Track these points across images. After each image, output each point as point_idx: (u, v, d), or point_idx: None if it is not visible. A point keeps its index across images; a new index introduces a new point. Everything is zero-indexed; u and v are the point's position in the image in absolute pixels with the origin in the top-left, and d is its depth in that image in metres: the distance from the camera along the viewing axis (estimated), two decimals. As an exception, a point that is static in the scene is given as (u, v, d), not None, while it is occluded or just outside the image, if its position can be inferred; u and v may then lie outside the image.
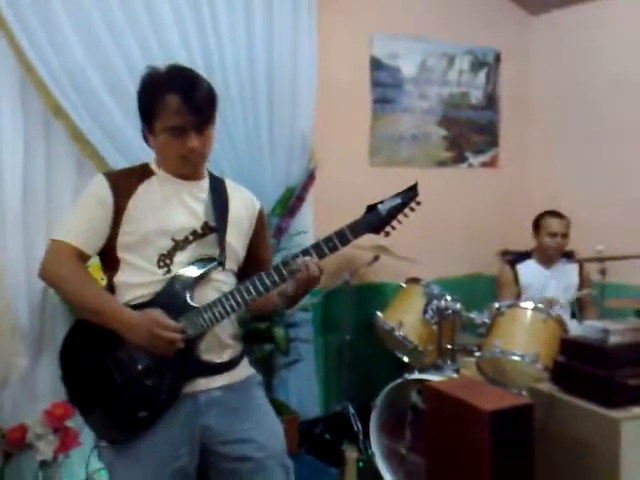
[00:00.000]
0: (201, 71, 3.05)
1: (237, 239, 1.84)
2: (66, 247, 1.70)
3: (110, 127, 2.93)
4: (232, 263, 1.83)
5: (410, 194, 1.71)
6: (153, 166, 1.81)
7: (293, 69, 3.44)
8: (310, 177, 3.53)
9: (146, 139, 1.79)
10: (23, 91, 2.84)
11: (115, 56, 2.93)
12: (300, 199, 3.49)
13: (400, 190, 1.73)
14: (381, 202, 1.71)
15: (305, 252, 1.69)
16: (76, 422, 2.78)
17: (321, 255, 1.69)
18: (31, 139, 2.87)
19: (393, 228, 1.72)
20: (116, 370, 1.71)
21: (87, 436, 2.79)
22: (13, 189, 2.83)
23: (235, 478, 1.75)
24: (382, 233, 1.71)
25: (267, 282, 1.69)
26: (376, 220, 1.70)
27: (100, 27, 2.89)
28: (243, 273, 1.85)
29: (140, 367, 1.69)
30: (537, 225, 3.68)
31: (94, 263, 1.91)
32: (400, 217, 1.71)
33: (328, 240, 1.69)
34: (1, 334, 2.07)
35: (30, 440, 2.65)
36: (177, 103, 1.67)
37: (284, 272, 1.69)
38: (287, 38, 3.40)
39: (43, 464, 2.71)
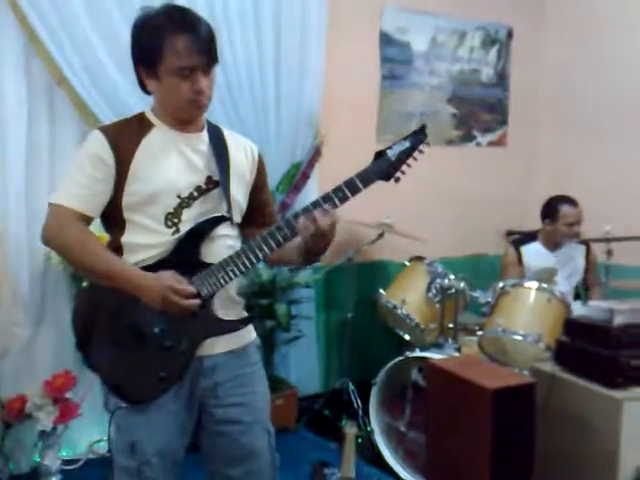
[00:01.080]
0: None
1: (240, 191, 1.81)
2: (68, 211, 1.65)
3: (113, 97, 2.89)
4: (237, 216, 1.81)
5: (419, 136, 1.66)
6: (150, 116, 1.74)
7: (301, 43, 3.38)
8: (316, 153, 3.49)
9: (144, 87, 1.72)
10: (27, 59, 2.81)
11: (121, 26, 2.87)
12: (305, 175, 3.46)
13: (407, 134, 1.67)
14: (389, 147, 1.66)
15: (315, 204, 1.65)
16: (76, 393, 2.79)
17: (332, 206, 1.64)
18: (35, 107, 2.85)
19: (403, 173, 1.67)
20: (132, 332, 1.69)
21: (87, 407, 2.80)
22: (16, 156, 2.80)
23: (221, 439, 1.78)
24: (392, 179, 1.66)
25: (279, 237, 1.66)
26: (386, 166, 1.64)
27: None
28: (246, 220, 1.84)
29: (156, 330, 1.68)
30: (550, 211, 3.59)
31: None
32: (410, 161, 1.66)
33: (337, 190, 1.64)
34: (1, 303, 2.05)
35: (30, 410, 2.65)
36: (186, 43, 1.61)
37: (295, 225, 1.65)
38: (296, 10, 3.34)
39: (42, 434, 2.72)
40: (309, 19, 3.38)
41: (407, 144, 1.65)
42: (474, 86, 4.16)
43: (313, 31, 3.39)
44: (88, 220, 1.69)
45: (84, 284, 1.90)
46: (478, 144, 4.23)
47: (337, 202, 1.64)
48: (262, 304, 3.19)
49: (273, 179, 3.31)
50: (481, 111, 4.21)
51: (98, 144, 1.68)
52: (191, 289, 1.66)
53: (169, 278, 1.64)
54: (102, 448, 2.91)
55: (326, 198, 1.65)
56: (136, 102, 2.73)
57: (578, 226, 3.52)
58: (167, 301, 1.63)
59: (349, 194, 1.64)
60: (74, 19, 2.79)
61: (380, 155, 1.65)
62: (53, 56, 2.77)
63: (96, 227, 1.75)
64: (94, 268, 1.67)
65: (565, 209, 3.51)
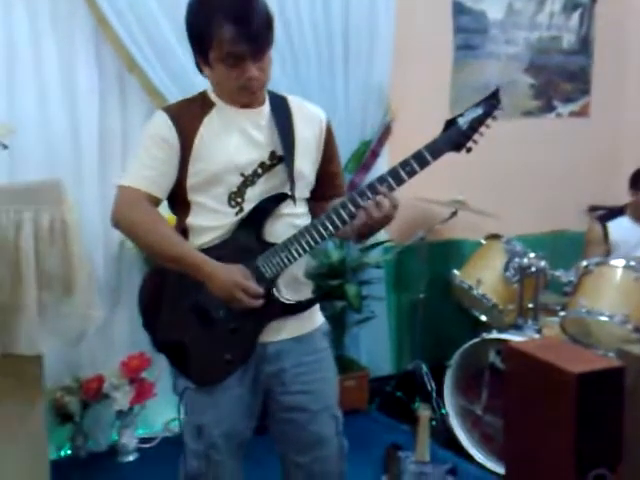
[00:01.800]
0: (276, 23, 3.05)
1: (307, 164, 1.74)
2: (136, 193, 1.64)
3: (183, 79, 2.86)
4: (303, 190, 1.75)
5: (492, 102, 1.56)
6: (212, 95, 1.71)
7: (370, 16, 3.27)
8: (386, 131, 3.39)
9: (200, 69, 1.70)
10: (97, 45, 2.83)
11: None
12: (375, 154, 3.36)
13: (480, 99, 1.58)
14: (460, 115, 1.56)
15: (381, 179, 1.59)
16: (151, 373, 2.84)
17: (399, 181, 1.58)
18: (106, 93, 2.88)
19: (475, 143, 1.57)
20: (198, 314, 1.69)
21: (161, 387, 2.84)
22: (89, 142, 2.85)
23: (290, 427, 1.77)
24: (464, 150, 1.57)
25: (344, 215, 1.61)
26: (457, 135, 1.55)
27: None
28: (316, 193, 1.79)
29: (221, 313, 1.67)
30: (638, 181, 3.39)
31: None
32: (483, 129, 1.56)
33: (405, 164, 1.56)
34: (77, 286, 2.09)
35: (107, 390, 2.72)
36: (233, 31, 1.56)
37: (360, 203, 1.59)
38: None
39: (120, 414, 2.79)
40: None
41: (479, 110, 1.55)
42: (554, 54, 3.94)
43: (382, 2, 3.27)
44: (156, 201, 1.68)
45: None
46: (559, 115, 4.02)
47: (404, 176, 1.57)
48: (332, 285, 3.15)
49: (341, 158, 3.23)
50: (561, 80, 3.99)
51: (162, 124, 1.66)
52: (258, 289, 1.63)
53: (238, 274, 1.61)
54: (176, 427, 2.94)
55: (393, 172, 1.57)
56: (205, 82, 2.72)
57: None
58: (233, 297, 1.61)
59: (417, 168, 1.56)
60: (142, 3, 2.78)
61: (451, 124, 1.56)
62: (123, 41, 2.78)
63: (164, 209, 1.74)
64: (163, 251, 1.66)
65: None
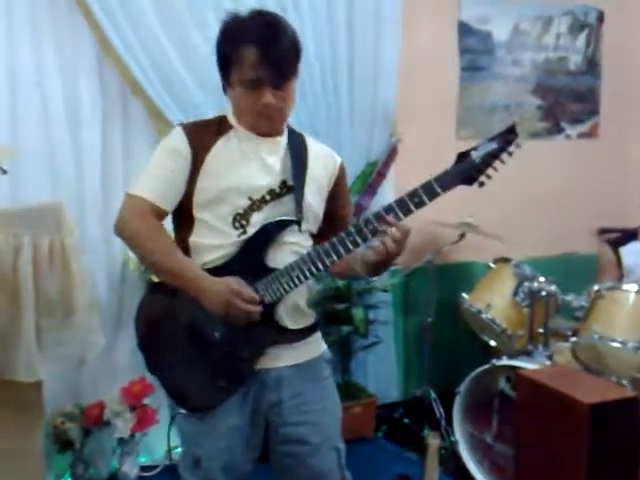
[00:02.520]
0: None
1: (316, 198, 1.73)
2: (143, 202, 1.62)
3: (188, 105, 2.86)
4: (310, 224, 1.73)
5: (508, 137, 1.51)
6: (231, 119, 1.71)
7: (375, 36, 3.26)
8: (392, 152, 3.36)
9: (225, 90, 1.70)
10: (100, 68, 2.82)
11: (193, 30, 2.85)
12: (381, 175, 3.33)
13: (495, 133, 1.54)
14: (474, 148, 1.52)
15: (388, 209, 1.54)
16: (154, 399, 2.78)
17: (406, 212, 1.53)
18: (109, 114, 2.86)
19: (489, 177, 1.52)
20: (193, 337, 1.66)
21: (164, 414, 2.78)
22: (92, 164, 2.82)
23: (289, 460, 1.73)
24: (476, 184, 1.53)
25: (347, 243, 1.56)
26: (469, 169, 1.51)
27: (179, 1, 2.82)
28: (322, 233, 1.75)
29: (217, 335, 1.63)
30: None
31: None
32: (497, 164, 1.51)
33: (413, 195, 1.52)
34: (78, 311, 2.06)
35: (108, 417, 2.67)
36: (254, 55, 1.55)
37: (366, 231, 1.54)
38: (369, 3, 3.21)
39: (121, 441, 2.73)
40: (383, 10, 3.24)
41: (494, 145, 1.50)
42: (561, 75, 3.91)
43: (388, 22, 3.25)
44: (162, 213, 1.66)
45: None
46: (567, 136, 3.97)
47: (412, 207, 1.52)
48: (338, 309, 3.10)
49: (347, 179, 3.20)
50: (569, 101, 3.95)
51: (177, 138, 1.66)
52: (255, 296, 1.59)
53: (233, 282, 1.58)
54: (178, 455, 2.89)
55: (400, 203, 1.53)
56: (209, 106, 2.72)
57: None
58: (231, 305, 1.56)
59: (426, 199, 1.51)
60: (145, 25, 2.77)
61: (463, 157, 1.52)
62: (126, 63, 2.76)
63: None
64: (161, 263, 1.63)
65: None
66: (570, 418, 1.94)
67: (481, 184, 1.52)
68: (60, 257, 1.98)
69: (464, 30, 3.62)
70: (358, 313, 3.11)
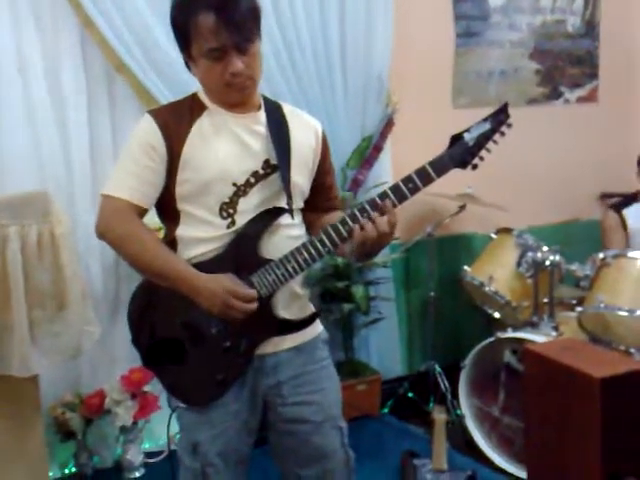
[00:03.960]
0: (269, 14, 2.93)
1: (302, 175, 1.66)
2: (121, 203, 1.55)
3: (175, 81, 2.75)
4: (298, 202, 1.67)
5: (500, 117, 1.49)
6: (203, 97, 1.62)
7: (367, 5, 3.15)
8: (388, 124, 3.27)
9: (189, 67, 1.61)
10: (83, 47, 2.73)
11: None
12: (377, 148, 3.25)
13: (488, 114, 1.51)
14: (467, 130, 1.49)
15: (382, 195, 1.51)
16: (155, 386, 2.74)
17: (401, 198, 1.50)
18: (94, 95, 2.77)
19: (481, 159, 1.50)
20: (189, 332, 1.61)
21: (166, 401, 2.75)
22: (79, 148, 2.74)
23: (291, 439, 1.70)
24: (469, 167, 1.50)
25: (342, 232, 1.52)
26: (463, 152, 1.48)
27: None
28: (309, 205, 1.71)
29: (214, 330, 1.59)
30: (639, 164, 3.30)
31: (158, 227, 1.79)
32: (489, 145, 1.50)
33: (408, 180, 1.49)
34: (71, 302, 2.00)
35: (108, 406, 2.63)
36: (213, 21, 1.46)
37: (361, 219, 1.50)
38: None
39: (123, 429, 2.70)
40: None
41: (487, 126, 1.48)
42: (559, 38, 3.81)
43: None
44: (142, 211, 1.59)
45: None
46: (566, 101, 3.89)
47: (407, 193, 1.49)
48: (338, 287, 3.05)
49: (343, 154, 3.13)
50: (568, 65, 3.86)
51: (149, 130, 1.56)
52: (251, 292, 1.53)
53: (227, 281, 1.52)
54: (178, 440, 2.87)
55: (395, 188, 1.49)
56: (196, 82, 2.62)
57: None
58: (227, 305, 1.51)
59: (420, 185, 1.49)
60: (129, 2, 2.67)
61: (456, 139, 1.49)
62: (110, 41, 2.67)
63: (152, 217, 1.65)
64: (150, 265, 1.56)
65: None
66: (580, 392, 1.89)
67: (474, 167, 1.51)
68: (49, 247, 1.92)
69: (458, -5, 3.52)
70: (358, 290, 3.06)
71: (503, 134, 1.50)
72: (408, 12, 3.29)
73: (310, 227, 1.75)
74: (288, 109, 1.70)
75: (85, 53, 2.73)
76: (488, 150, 1.50)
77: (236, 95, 1.57)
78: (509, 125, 1.50)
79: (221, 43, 1.48)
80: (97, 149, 2.79)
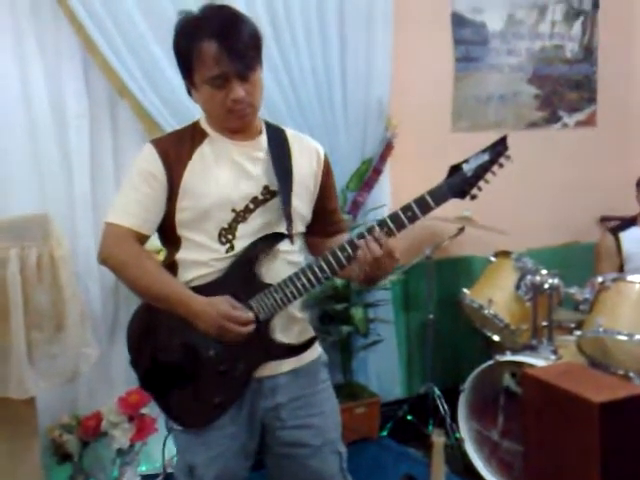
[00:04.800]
0: (268, 36, 2.97)
1: (303, 200, 1.68)
2: (123, 230, 1.58)
3: (177, 106, 2.78)
4: (299, 227, 1.68)
5: (499, 148, 1.50)
6: (204, 124, 1.65)
7: (368, 30, 3.18)
8: (387, 147, 3.29)
9: (190, 93, 1.63)
10: (86, 70, 2.76)
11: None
12: (377, 171, 3.27)
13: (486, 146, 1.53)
14: (466, 161, 1.51)
15: (381, 223, 1.52)
16: (153, 408, 2.73)
17: (400, 226, 1.51)
18: (96, 119, 2.80)
19: (480, 189, 1.51)
20: (187, 354, 1.62)
21: (164, 422, 2.73)
22: (81, 172, 2.76)
23: (289, 462, 1.69)
24: (468, 197, 1.51)
25: (341, 258, 1.54)
26: (461, 182, 1.50)
27: (165, 2, 2.74)
28: (311, 229, 1.73)
29: (212, 353, 1.60)
30: (638, 186, 3.32)
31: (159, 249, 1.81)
32: (488, 176, 1.51)
33: (407, 209, 1.50)
34: (69, 324, 2.01)
35: (105, 428, 2.62)
36: (214, 49, 1.49)
37: (360, 245, 1.51)
38: (361, -1, 3.15)
39: (120, 451, 2.68)
40: (375, 3, 3.16)
41: (485, 157, 1.50)
42: (557, 63, 3.85)
43: (380, 15, 3.18)
44: (144, 238, 1.62)
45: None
46: (565, 125, 3.92)
47: (405, 222, 1.51)
48: (337, 309, 3.05)
49: (343, 176, 3.15)
50: (566, 90, 3.89)
51: (150, 159, 1.59)
52: (248, 316, 1.54)
53: (224, 304, 1.53)
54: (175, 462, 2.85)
55: (394, 217, 1.51)
56: (198, 107, 2.64)
57: None
58: (224, 328, 1.52)
59: (419, 214, 1.50)
60: (131, 25, 2.71)
61: (455, 170, 1.50)
62: (112, 65, 2.71)
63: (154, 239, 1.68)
64: (150, 290, 1.58)
65: None
66: (579, 417, 1.89)
67: (473, 197, 1.52)
68: (49, 269, 1.93)
69: (458, 21, 3.56)
70: (357, 312, 3.06)
71: (501, 166, 1.51)
72: (408, 37, 3.32)
73: (314, 251, 1.76)
74: (290, 133, 1.72)
75: (88, 77, 2.76)
76: (486, 181, 1.51)
77: (237, 122, 1.59)
78: (507, 157, 1.51)
79: (223, 71, 1.50)
80: (98, 172, 2.81)
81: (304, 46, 3.06)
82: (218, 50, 1.49)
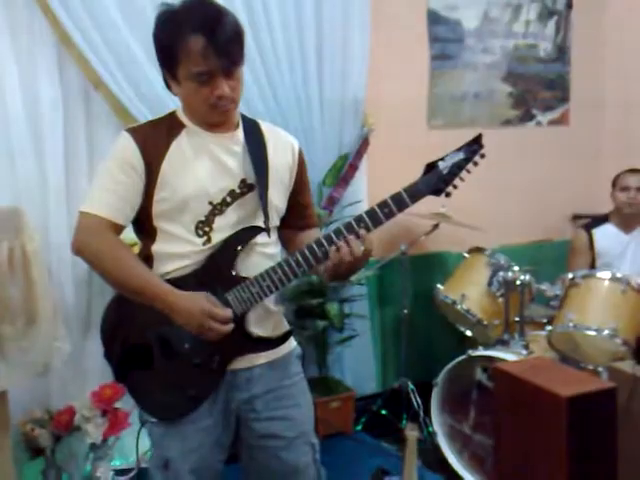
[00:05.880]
0: (246, 33, 2.95)
1: (279, 194, 1.69)
2: (98, 220, 1.56)
3: (151, 96, 2.77)
4: (275, 220, 1.69)
5: (474, 147, 1.53)
6: (181, 116, 1.63)
7: (344, 27, 3.19)
8: (364, 143, 3.31)
9: (168, 86, 1.62)
10: (60, 63, 2.73)
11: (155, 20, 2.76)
12: (353, 167, 3.28)
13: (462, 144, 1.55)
14: (441, 159, 1.53)
15: (358, 219, 1.53)
16: (126, 403, 2.72)
17: (376, 223, 1.53)
18: (70, 112, 2.77)
19: (455, 187, 1.54)
20: (161, 347, 1.62)
21: (136, 417, 2.72)
22: (54, 165, 2.73)
23: (263, 455, 1.70)
24: (443, 194, 1.54)
25: (319, 254, 1.55)
26: (437, 180, 1.52)
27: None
28: (285, 222, 1.74)
29: (186, 346, 1.60)
30: (613, 184, 3.38)
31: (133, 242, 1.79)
32: (463, 174, 1.53)
33: (383, 206, 1.52)
34: (41, 318, 1.99)
35: (78, 422, 2.60)
36: (202, 45, 1.47)
37: (337, 242, 1.53)
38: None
39: (93, 446, 2.66)
40: (351, 0, 3.17)
41: (461, 155, 1.52)
42: (531, 62, 3.90)
43: (356, 13, 3.19)
44: (119, 228, 1.60)
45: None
46: (538, 123, 3.97)
47: (382, 218, 1.52)
48: (313, 304, 3.06)
49: (319, 172, 3.16)
50: (540, 88, 3.94)
51: (127, 148, 1.58)
52: (227, 313, 1.55)
53: (204, 301, 1.53)
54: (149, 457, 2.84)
55: (370, 213, 1.52)
56: (174, 100, 2.63)
57: (636, 193, 3.27)
58: (203, 326, 1.52)
59: (396, 210, 1.51)
60: (106, 18, 2.69)
61: (431, 167, 1.52)
62: (88, 58, 2.68)
63: (128, 231, 1.66)
64: (126, 282, 1.57)
65: (623, 174, 3.33)
66: (548, 411, 1.92)
67: (447, 194, 1.54)
68: (20, 263, 1.91)
69: (433, 18, 3.58)
70: (333, 307, 3.07)
71: (476, 164, 1.53)
72: (384, 34, 3.34)
73: (286, 244, 1.77)
74: (266, 127, 1.72)
75: (62, 70, 2.73)
76: (462, 179, 1.53)
77: (219, 117, 1.59)
78: (482, 155, 1.53)
79: (210, 67, 1.49)
80: (72, 165, 2.78)
81: (282, 44, 3.06)
82: (205, 46, 1.47)
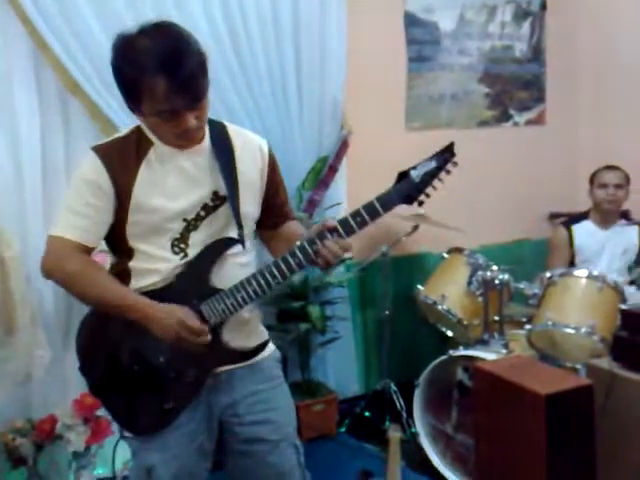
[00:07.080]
0: (225, 38, 2.97)
1: (252, 202, 1.68)
2: (67, 243, 1.55)
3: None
4: (250, 228, 1.70)
5: (446, 155, 1.53)
6: (148, 132, 1.59)
7: (321, 29, 3.21)
8: (343, 145, 3.33)
9: (131, 109, 1.57)
10: (37, 69, 2.71)
11: (131, 26, 2.75)
12: (333, 169, 3.29)
13: (435, 152, 1.55)
14: (413, 168, 1.52)
15: (331, 229, 1.53)
16: (108, 410, 2.70)
17: (349, 231, 1.53)
18: (47, 118, 2.75)
19: (427, 196, 1.54)
20: (136, 361, 1.61)
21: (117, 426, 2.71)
22: (32, 171, 2.71)
23: (248, 459, 1.70)
24: (415, 203, 1.54)
25: (292, 264, 1.55)
26: (409, 189, 1.52)
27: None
28: (265, 223, 1.75)
29: (162, 359, 1.60)
30: (591, 181, 3.43)
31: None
32: (435, 183, 1.53)
33: (356, 215, 1.52)
34: (19, 327, 1.98)
35: (60, 431, 2.58)
36: (163, 87, 1.43)
37: (310, 252, 1.54)
38: (314, -3, 3.16)
39: (75, 454, 2.65)
40: (328, 3, 3.19)
41: (433, 164, 1.52)
42: (507, 63, 3.94)
43: (333, 15, 3.21)
44: (90, 250, 1.59)
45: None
46: (515, 123, 4.01)
47: (355, 227, 1.53)
48: (294, 307, 3.06)
49: (298, 175, 3.17)
50: (516, 89, 3.99)
51: (94, 169, 1.56)
52: (204, 327, 1.55)
53: (181, 313, 1.53)
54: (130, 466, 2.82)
55: (343, 222, 1.53)
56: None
57: (616, 190, 3.31)
58: (180, 338, 1.53)
59: (368, 219, 1.52)
60: (83, 24, 2.67)
61: (403, 176, 1.52)
62: (64, 64, 2.67)
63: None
64: (101, 299, 1.57)
65: (600, 171, 3.38)
66: (526, 409, 1.95)
67: (420, 203, 1.54)
68: (-2, 271, 1.89)
69: (410, 21, 3.61)
70: (315, 310, 3.08)
71: (449, 172, 1.53)
72: (361, 36, 3.36)
73: (267, 243, 1.78)
74: (232, 129, 1.70)
75: (38, 75, 2.71)
76: (434, 187, 1.53)
77: (186, 143, 1.58)
78: (455, 163, 1.53)
79: (173, 107, 1.46)
80: (50, 172, 2.76)
81: (258, 44, 3.06)
82: (167, 87, 1.42)
